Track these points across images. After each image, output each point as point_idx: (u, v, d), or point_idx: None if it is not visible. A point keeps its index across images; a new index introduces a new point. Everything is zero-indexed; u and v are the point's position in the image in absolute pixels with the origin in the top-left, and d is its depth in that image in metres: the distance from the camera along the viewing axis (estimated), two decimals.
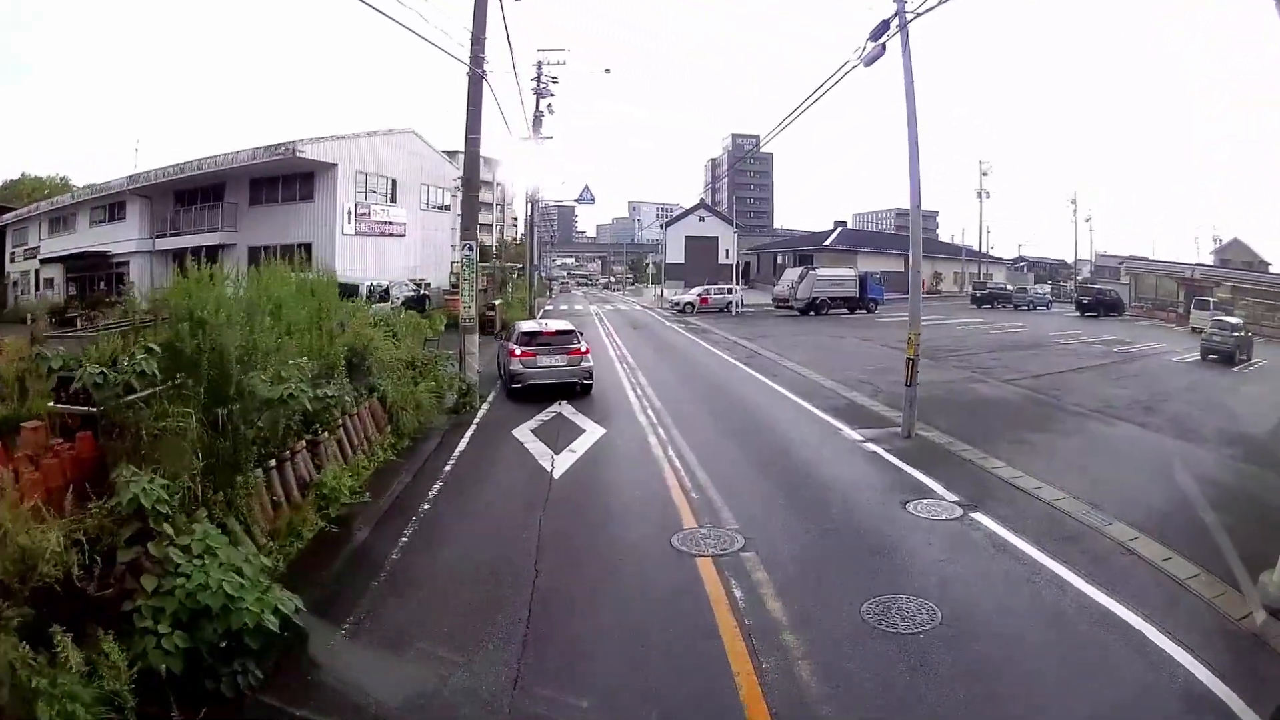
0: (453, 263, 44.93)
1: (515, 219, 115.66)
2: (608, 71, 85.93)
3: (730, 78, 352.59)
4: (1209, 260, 66.45)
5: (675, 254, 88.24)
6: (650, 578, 8.28)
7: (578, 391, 18.30)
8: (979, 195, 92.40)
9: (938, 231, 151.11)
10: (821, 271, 52.07)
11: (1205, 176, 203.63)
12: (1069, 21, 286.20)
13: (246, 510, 8.28)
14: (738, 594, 7.75)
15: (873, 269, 60.27)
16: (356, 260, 38.62)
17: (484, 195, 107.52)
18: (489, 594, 7.88)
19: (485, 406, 17.74)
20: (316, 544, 9.11)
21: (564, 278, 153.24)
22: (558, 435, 14.49)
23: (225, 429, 8.25)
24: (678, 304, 52.68)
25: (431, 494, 11.16)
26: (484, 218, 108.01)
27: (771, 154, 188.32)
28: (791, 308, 49.75)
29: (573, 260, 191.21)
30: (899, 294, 66.89)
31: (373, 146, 40.45)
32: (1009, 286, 71.45)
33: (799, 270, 51.34)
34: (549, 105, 46.08)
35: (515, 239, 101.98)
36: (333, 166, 38.01)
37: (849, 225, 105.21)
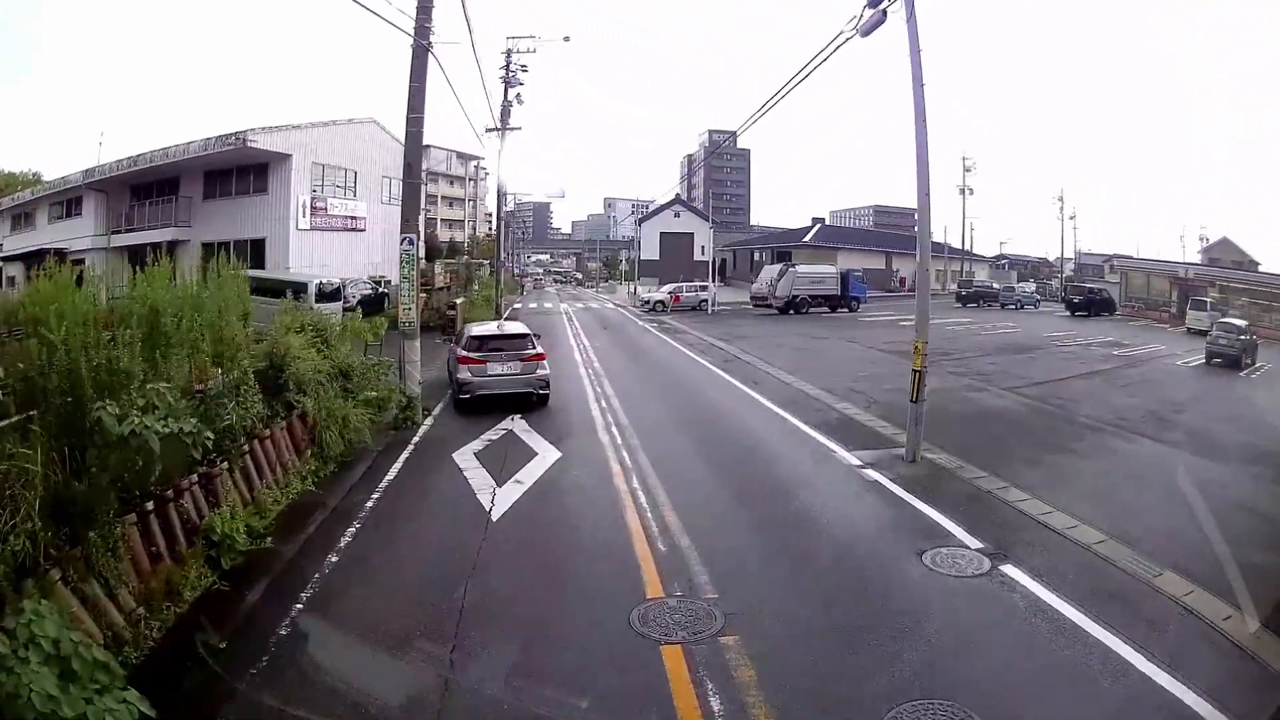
0: (418, 259, 42.75)
1: (489, 215, 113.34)
2: (567, 39, 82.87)
3: (708, 75, 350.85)
4: (1197, 259, 65.63)
5: (650, 251, 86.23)
6: (600, 683, 6.23)
7: (534, 402, 16.55)
8: (962, 191, 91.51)
9: (914, 229, 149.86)
10: (802, 268, 50.17)
11: (1190, 175, 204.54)
12: (1046, 18, 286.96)
13: (112, 569, 6.72)
14: (716, 706, 5.81)
15: (853, 266, 58.63)
16: (313, 256, 36.49)
17: (455, 190, 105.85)
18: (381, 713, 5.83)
19: (429, 421, 15.79)
20: (197, 609, 7.31)
21: (539, 274, 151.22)
22: (504, 460, 12.49)
23: (83, 471, 6.82)
24: (648, 302, 50.61)
25: (344, 541, 9.14)
26: (456, 213, 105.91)
27: (748, 150, 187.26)
28: (770, 306, 47.93)
29: (548, 257, 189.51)
30: (880, 292, 65.73)
31: (331, 137, 38.15)
32: (995, 285, 69.82)
33: (778, 267, 49.42)
34: (518, 95, 44.10)
35: (488, 234, 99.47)
36: (287, 158, 35.73)
37: (826, 222, 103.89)
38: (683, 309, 49.33)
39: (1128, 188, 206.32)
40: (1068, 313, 54.05)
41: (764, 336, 33.69)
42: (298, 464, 11.54)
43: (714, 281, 51.02)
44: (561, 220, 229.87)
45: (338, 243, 38.09)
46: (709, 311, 48.37)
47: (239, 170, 37.07)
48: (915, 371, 12.75)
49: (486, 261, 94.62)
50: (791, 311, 47.34)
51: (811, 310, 48.39)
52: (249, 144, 33.97)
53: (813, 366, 23.81)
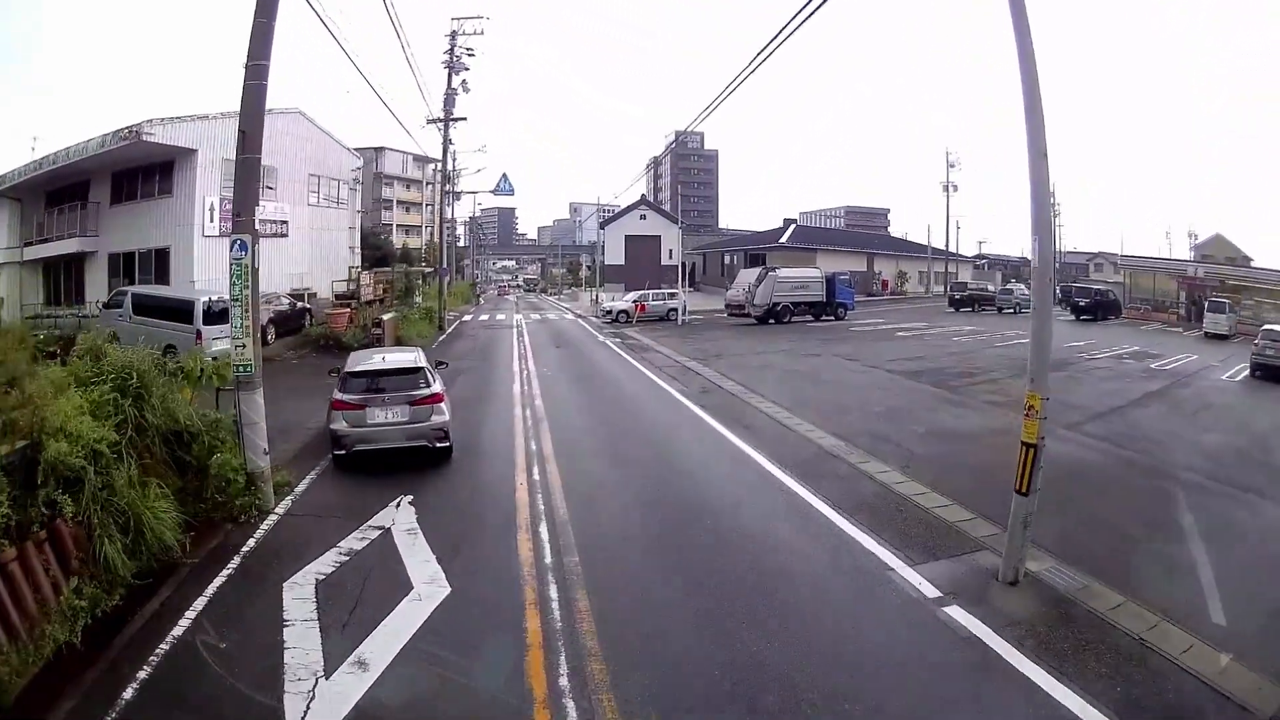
0: (351, 267, 37.93)
1: (453, 221, 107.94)
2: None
3: (677, 80, 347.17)
4: (1189, 256, 62.29)
5: (615, 255, 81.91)
6: None
7: (434, 461, 12.99)
8: (946, 188, 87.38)
9: (888, 229, 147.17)
10: (783, 272, 45.50)
11: (1175, 170, 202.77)
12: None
13: None
14: None
15: (832, 269, 53.94)
16: (222, 266, 31.43)
17: (412, 194, 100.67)
18: None
19: (286, 503, 11.07)
20: None
21: (505, 281, 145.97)
22: (358, 599, 7.76)
23: None
24: (610, 312, 45.61)
25: None
26: (413, 218, 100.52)
27: (716, 151, 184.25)
28: (748, 315, 43.38)
29: (513, 263, 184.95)
30: (863, 296, 61.41)
31: None
32: (989, 287, 65.69)
33: (756, 271, 44.75)
34: (464, 82, 39.63)
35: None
36: (191, 153, 30.67)
37: (799, 224, 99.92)
38: (649, 319, 44.72)
39: (1108, 184, 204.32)
40: (1072, 317, 50.59)
41: (746, 354, 29.18)
42: (66, 593, 7.33)
43: (684, 288, 46.23)
44: (527, 226, 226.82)
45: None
46: (679, 322, 43.72)
47: (145, 171, 31.99)
48: (1026, 447, 7.83)
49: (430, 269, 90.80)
50: (771, 321, 42.94)
51: (794, 319, 44.17)
52: (144, 137, 28.89)
53: (814, 398, 19.44)
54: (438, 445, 12.87)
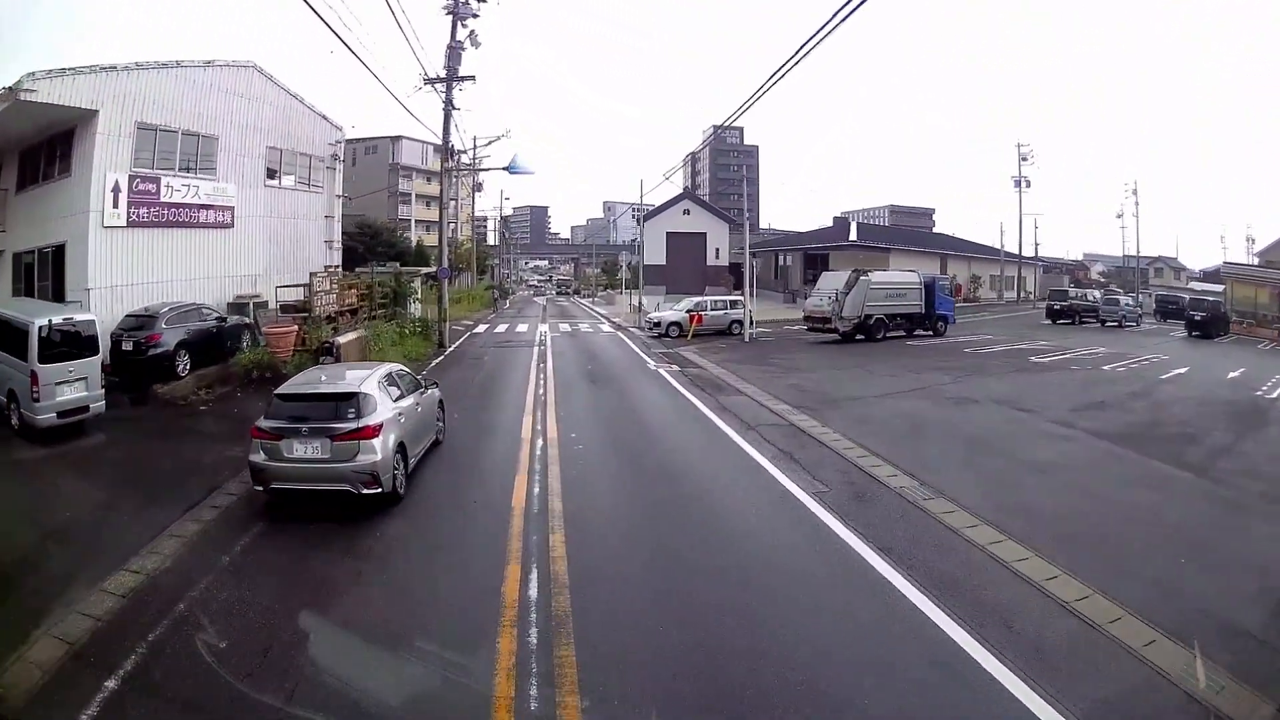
0: (328, 267, 29.33)
1: (481, 219, 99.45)
2: None
3: (711, 74, 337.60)
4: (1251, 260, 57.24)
5: (655, 254, 72.99)
6: None
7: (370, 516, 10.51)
8: (1018, 184, 79.31)
9: (932, 230, 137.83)
10: (877, 277, 36.49)
11: (1231, 173, 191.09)
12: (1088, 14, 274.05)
13: None
14: None
15: (905, 269, 45.45)
16: (133, 268, 23.18)
17: (434, 188, 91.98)
18: None
19: None
20: None
21: (536, 281, 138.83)
22: None
23: None
24: (658, 324, 36.87)
25: None
26: (434, 214, 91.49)
27: (757, 146, 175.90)
28: (831, 329, 34.35)
29: (545, 263, 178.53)
30: None
31: (171, 86, 24.41)
32: (1090, 295, 56.69)
33: (842, 275, 35.51)
34: (472, 34, 30.84)
35: (469, 238, 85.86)
36: (91, 116, 22.24)
37: (826, 227, 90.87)
38: (706, 331, 35.89)
39: (1162, 186, 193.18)
40: (1184, 332, 44.32)
41: (866, 397, 20.39)
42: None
43: (750, 294, 37.09)
44: (560, 225, 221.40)
45: (183, 245, 24.55)
46: (745, 337, 34.74)
47: (49, 145, 23.74)
48: None
49: (461, 269, 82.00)
50: (861, 337, 34.16)
51: (889, 334, 35.50)
52: (24, 97, 20.56)
53: (1050, 509, 11.30)
54: (364, 491, 10.58)
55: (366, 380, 11.72)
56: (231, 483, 12.21)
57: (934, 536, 9.85)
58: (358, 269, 31.68)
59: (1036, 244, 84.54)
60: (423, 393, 13.90)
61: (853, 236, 64.08)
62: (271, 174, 28.07)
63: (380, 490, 10.71)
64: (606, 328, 42.21)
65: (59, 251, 22.71)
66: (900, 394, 20.88)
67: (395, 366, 14.10)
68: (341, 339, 20.00)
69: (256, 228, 27.12)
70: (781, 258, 78.22)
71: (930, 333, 37.36)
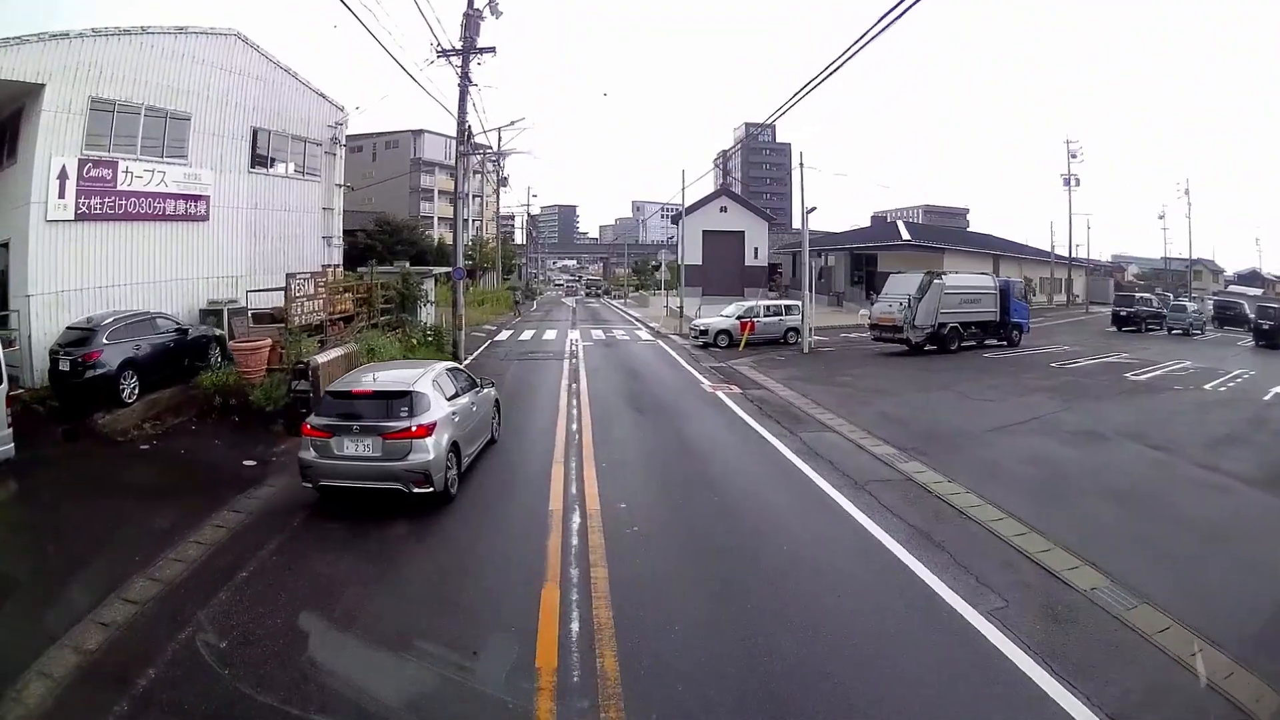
0: (326, 267, 25.35)
1: (506, 216, 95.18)
2: None
3: (741, 70, 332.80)
4: None
5: (691, 253, 68.46)
6: None
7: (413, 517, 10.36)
8: (1066, 182, 74.32)
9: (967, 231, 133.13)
10: (952, 280, 32.06)
11: (1260, 173, 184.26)
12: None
13: None
14: None
15: (957, 272, 41.03)
16: (82, 270, 19.28)
17: (452, 184, 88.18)
18: None
19: None
20: None
21: (566, 281, 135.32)
22: None
23: None
24: (705, 331, 32.38)
25: None
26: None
27: (789, 144, 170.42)
28: (902, 339, 29.97)
29: (573, 262, 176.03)
30: None
31: (134, 55, 20.47)
32: (1153, 299, 52.50)
33: (914, 279, 30.98)
34: (491, 1, 26.60)
35: (495, 236, 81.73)
36: (37, 92, 18.44)
37: (865, 227, 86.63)
38: (758, 341, 31.61)
39: (1199, 190, 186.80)
40: (1250, 341, 40.20)
41: (969, 428, 16.48)
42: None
43: (809, 297, 32.45)
44: (588, 224, 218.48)
45: (146, 242, 20.61)
46: (803, 348, 30.35)
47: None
48: None
49: (487, 268, 77.83)
50: (931, 347, 29.99)
51: (962, 345, 31.04)
52: None
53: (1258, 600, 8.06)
54: (415, 490, 10.63)
55: (420, 379, 11.81)
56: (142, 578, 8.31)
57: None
58: (359, 269, 27.43)
59: (1075, 245, 79.82)
60: (478, 391, 13.75)
61: (905, 236, 59.26)
62: (258, 159, 24.08)
63: (431, 490, 10.73)
64: (644, 335, 37.83)
65: (2, 249, 18.96)
66: (1014, 428, 16.65)
67: (449, 365, 14.16)
68: (322, 357, 15.81)
69: (238, 221, 23.15)
70: (824, 258, 73.51)
71: (1004, 343, 32.92)
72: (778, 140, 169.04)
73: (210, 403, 16.62)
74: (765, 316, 32.62)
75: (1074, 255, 76.85)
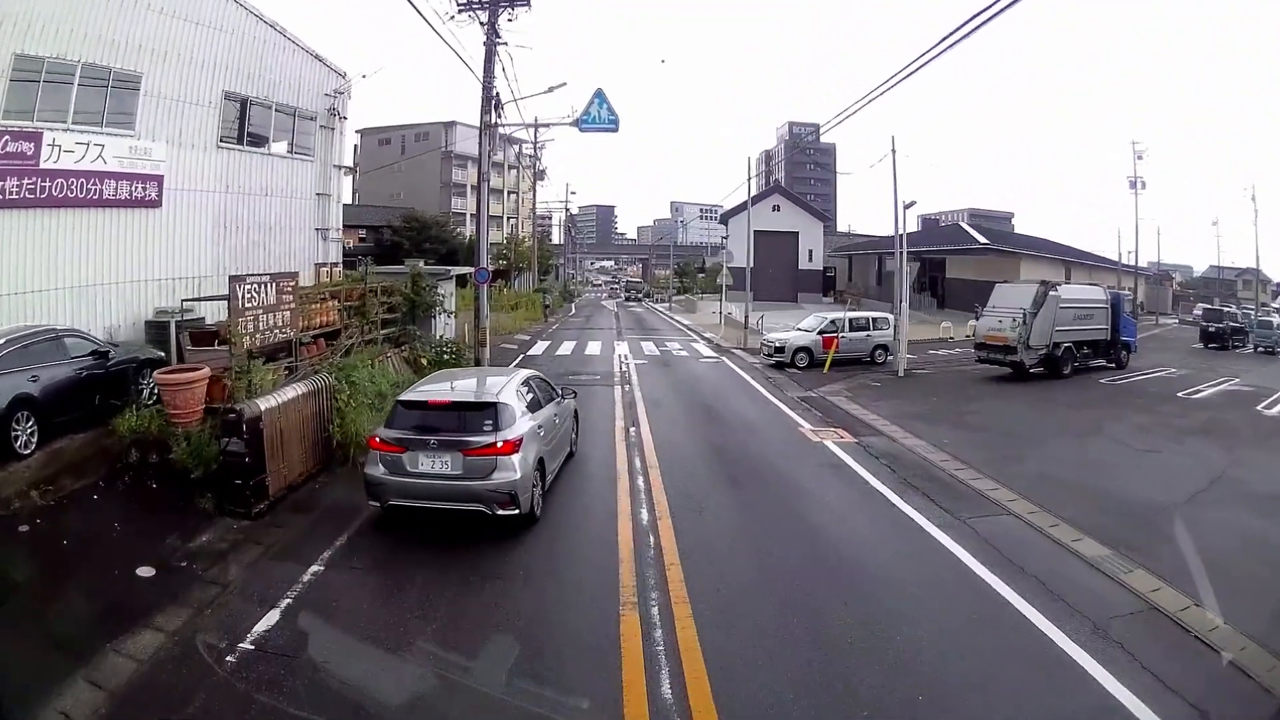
0: (320, 266, 20.60)
1: (544, 215, 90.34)
2: None
3: (783, 65, 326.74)
4: None
5: (740, 255, 63.62)
6: None
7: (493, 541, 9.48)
8: (1132, 185, 68.22)
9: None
10: (1067, 292, 26.96)
11: None
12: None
13: None
14: None
15: (1032, 279, 36.06)
16: None
17: (493, 179, 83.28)
18: None
19: None
20: None
21: (604, 283, 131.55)
22: None
23: None
24: (780, 348, 26.88)
25: None
26: (491, 208, 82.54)
27: (834, 145, 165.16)
28: (1014, 363, 24.93)
29: (611, 263, 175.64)
30: None
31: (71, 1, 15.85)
32: (1238, 312, 47.62)
33: (1027, 290, 25.97)
34: None
35: (531, 234, 76.75)
36: None
37: (906, 230, 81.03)
38: (842, 359, 26.31)
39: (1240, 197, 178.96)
40: None
41: (1173, 502, 11.58)
42: None
43: (901, 306, 27.07)
44: (626, 225, 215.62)
45: (77, 234, 15.88)
46: (898, 370, 25.06)
47: None
48: None
49: (522, 269, 72.76)
50: (1039, 369, 25.15)
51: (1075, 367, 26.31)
52: None
53: None
54: (499, 513, 9.75)
55: (504, 388, 10.96)
56: None
57: None
58: (356, 270, 22.28)
59: (1127, 252, 74.04)
60: (560, 401, 12.70)
61: (981, 240, 53.67)
62: (232, 132, 19.24)
63: (517, 511, 9.79)
64: (704, 350, 32.37)
65: None
66: (1202, 496, 12.31)
67: (530, 372, 13.09)
68: (266, 402, 10.80)
69: (201, 207, 18.34)
70: (883, 262, 67.94)
71: (1113, 364, 27.97)
72: (821, 141, 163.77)
73: (126, 453, 11.75)
74: (851, 331, 27.26)
75: (1138, 264, 71.47)
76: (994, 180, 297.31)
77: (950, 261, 57.73)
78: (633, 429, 15.97)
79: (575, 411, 13.98)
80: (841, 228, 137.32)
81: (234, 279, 12.11)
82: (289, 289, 13.17)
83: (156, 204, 17.28)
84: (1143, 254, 70.78)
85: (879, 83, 14.23)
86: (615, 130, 19.41)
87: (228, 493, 10.52)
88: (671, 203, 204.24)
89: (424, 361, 18.36)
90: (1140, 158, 68.29)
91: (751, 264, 60.29)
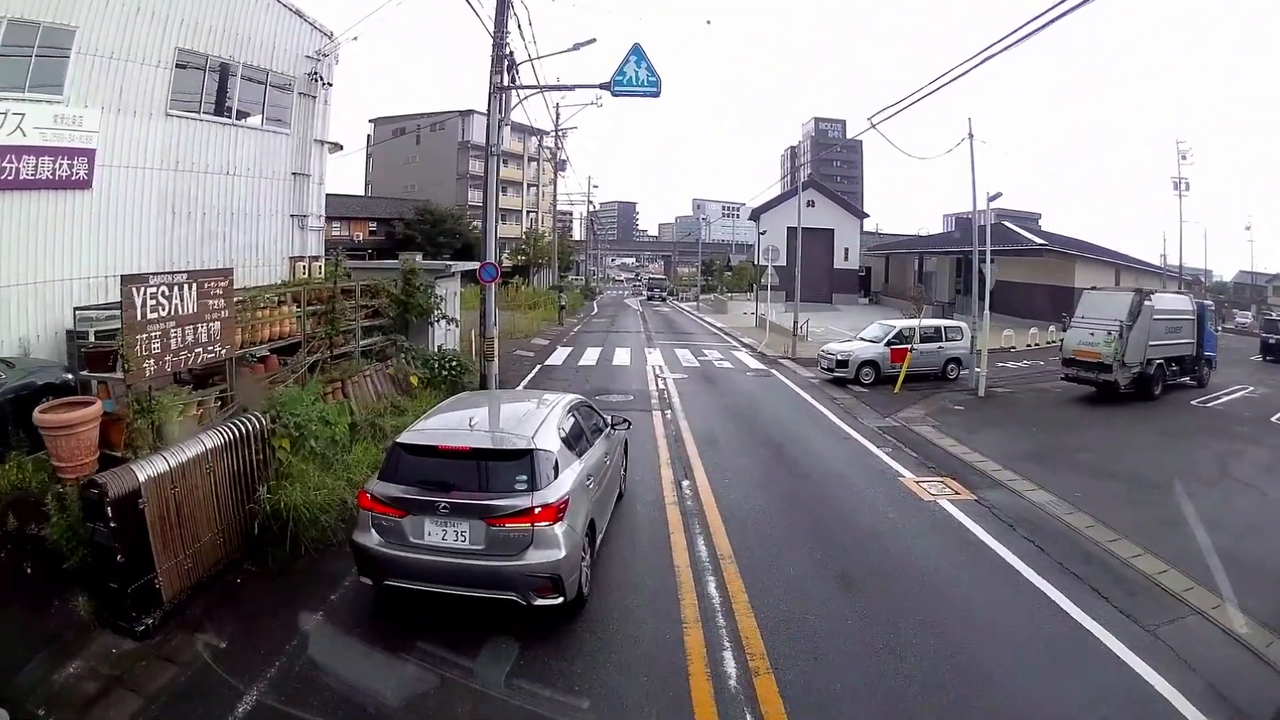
0: (295, 260, 17.19)
1: (564, 211, 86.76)
2: None
3: (807, 60, 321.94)
4: None
5: (771, 252, 60.10)
6: None
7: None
8: (1176, 186, 63.92)
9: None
10: (1161, 302, 23.37)
11: None
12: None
13: None
14: None
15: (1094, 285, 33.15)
16: None
17: (511, 172, 79.79)
18: None
19: None
20: None
21: (626, 279, 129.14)
22: None
23: None
24: (843, 362, 22.99)
25: None
26: (510, 200, 79.07)
27: (860, 141, 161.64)
28: (1107, 382, 21.38)
29: (633, 260, 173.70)
30: None
31: None
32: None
33: (1121, 298, 22.47)
34: None
35: (552, 229, 73.20)
36: None
37: (931, 232, 77.97)
38: (911, 374, 22.49)
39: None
40: None
41: None
42: None
43: (982, 308, 23.29)
44: (647, 222, 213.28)
45: None
46: (978, 390, 21.38)
47: None
48: None
49: (541, 265, 69.18)
50: (1126, 388, 21.44)
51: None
52: None
53: None
54: (536, 603, 7.00)
55: (543, 428, 7.89)
56: None
57: None
58: (333, 264, 18.52)
59: (1162, 255, 70.20)
60: (610, 433, 9.89)
61: (1038, 240, 49.76)
62: (187, 97, 15.80)
63: (561, 600, 7.03)
64: (748, 359, 28.56)
65: None
66: None
67: (573, 398, 9.51)
68: (147, 469, 7.27)
69: (144, 189, 14.90)
70: (922, 262, 64.04)
71: (1196, 382, 24.50)
72: (848, 136, 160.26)
73: (4, 524, 8.30)
74: (923, 346, 23.49)
75: (1182, 268, 67.62)
76: (1019, 180, 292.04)
77: (999, 263, 54.02)
78: (685, 483, 12.08)
79: (625, 442, 11.37)
80: (869, 227, 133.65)
81: (129, 279, 8.62)
82: (219, 291, 9.66)
83: (86, 185, 13.88)
84: (1171, 258, 66.93)
85: (916, 89, 11.27)
86: (656, 94, 15.60)
87: (102, 594, 7.10)
88: (694, 200, 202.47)
89: (414, 380, 14.81)
90: (1184, 158, 64.76)
91: (785, 263, 56.87)
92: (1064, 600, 8.14)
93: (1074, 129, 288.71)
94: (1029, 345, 35.26)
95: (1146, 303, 21.92)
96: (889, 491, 11.90)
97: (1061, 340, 24.01)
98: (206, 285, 9.55)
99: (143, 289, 8.64)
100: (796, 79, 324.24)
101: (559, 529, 7.05)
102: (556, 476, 7.37)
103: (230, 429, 8.40)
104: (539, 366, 24.33)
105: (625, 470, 11.17)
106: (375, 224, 60.48)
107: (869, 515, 10.84)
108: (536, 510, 6.97)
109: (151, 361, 8.76)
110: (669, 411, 17.70)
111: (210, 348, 9.64)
